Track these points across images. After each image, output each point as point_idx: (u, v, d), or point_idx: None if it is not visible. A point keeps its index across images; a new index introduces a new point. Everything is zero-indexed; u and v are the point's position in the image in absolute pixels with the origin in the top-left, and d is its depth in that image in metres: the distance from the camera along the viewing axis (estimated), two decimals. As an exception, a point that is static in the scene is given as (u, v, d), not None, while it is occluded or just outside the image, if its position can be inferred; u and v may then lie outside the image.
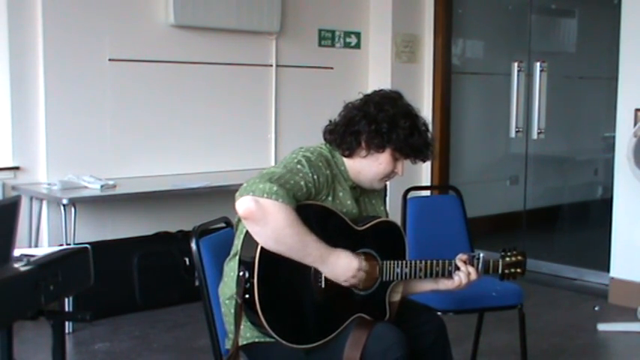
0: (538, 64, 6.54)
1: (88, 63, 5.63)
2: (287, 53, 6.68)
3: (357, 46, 7.16)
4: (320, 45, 6.91)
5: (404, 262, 2.81)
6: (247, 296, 2.60)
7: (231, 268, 2.77)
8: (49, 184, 5.35)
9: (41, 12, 5.38)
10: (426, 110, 7.27)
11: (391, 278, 2.80)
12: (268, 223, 2.53)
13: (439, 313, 3.70)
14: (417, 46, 7.23)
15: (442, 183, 7.21)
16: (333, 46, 6.99)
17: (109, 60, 5.71)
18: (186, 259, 5.59)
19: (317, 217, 2.67)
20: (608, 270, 5.93)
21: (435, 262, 2.85)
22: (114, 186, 5.40)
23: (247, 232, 2.64)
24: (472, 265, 2.91)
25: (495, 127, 7.93)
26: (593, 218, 8.27)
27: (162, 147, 6.02)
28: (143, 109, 5.92)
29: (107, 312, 5.28)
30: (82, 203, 5.28)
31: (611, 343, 5.12)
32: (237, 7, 6.18)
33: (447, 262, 2.87)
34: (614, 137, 5.86)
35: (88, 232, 5.46)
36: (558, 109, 7.67)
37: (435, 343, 2.87)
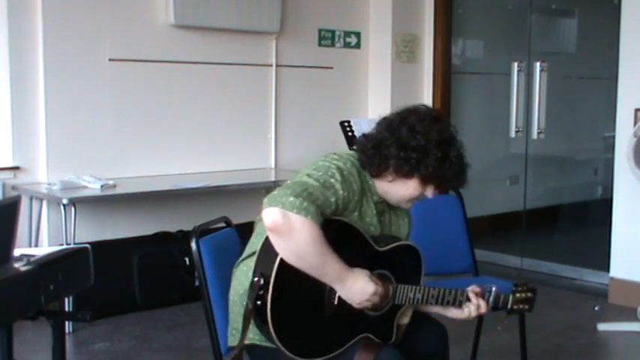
0: (538, 64, 6.54)
1: (88, 63, 5.63)
2: (287, 53, 6.68)
3: (357, 45, 7.16)
4: (320, 45, 6.91)
5: (417, 287, 2.78)
6: (259, 303, 2.57)
7: (248, 266, 2.72)
8: (49, 184, 5.34)
9: (41, 12, 5.38)
10: (425, 110, 7.26)
11: (403, 302, 2.77)
12: (292, 239, 2.48)
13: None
14: (416, 45, 7.23)
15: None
16: (333, 45, 6.99)
17: (109, 60, 5.71)
18: (187, 259, 5.59)
19: (340, 234, 2.63)
20: (608, 270, 5.93)
21: (447, 291, 2.82)
22: (114, 186, 5.40)
23: (267, 238, 2.59)
24: (483, 298, 2.87)
25: (495, 127, 7.92)
26: (593, 218, 8.27)
27: (162, 147, 6.02)
28: (143, 108, 5.92)
29: (107, 312, 5.28)
30: (82, 203, 5.28)
31: (611, 343, 5.12)
32: (237, 7, 6.18)
33: (459, 292, 2.83)
34: (614, 137, 5.86)
35: (88, 231, 5.46)
36: (558, 109, 7.67)
37: (435, 351, 2.86)
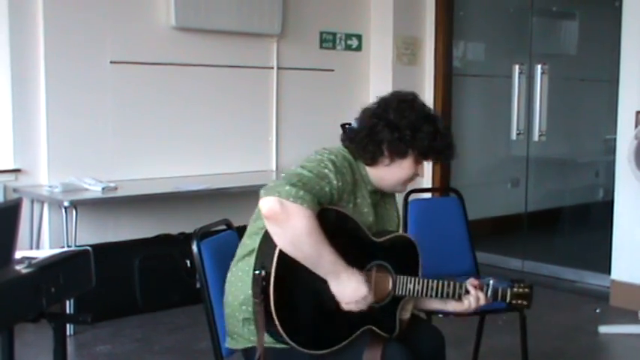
0: (539, 66, 6.55)
1: (89, 65, 5.64)
2: (288, 55, 6.68)
3: (359, 48, 7.16)
4: (321, 47, 6.91)
5: (417, 279, 2.80)
6: (262, 296, 2.58)
7: (249, 265, 2.72)
8: (50, 187, 5.34)
9: (42, 14, 5.38)
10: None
11: (403, 293, 2.79)
12: (289, 227, 2.51)
13: (440, 316, 3.71)
14: (418, 48, 7.23)
15: (443, 185, 7.21)
16: (334, 48, 6.99)
17: (111, 62, 5.72)
18: (188, 262, 5.58)
19: (337, 224, 2.65)
20: (609, 272, 5.93)
21: (446, 283, 2.84)
22: (115, 188, 5.40)
23: (267, 231, 2.62)
24: (482, 290, 2.90)
25: (496, 129, 7.92)
26: (594, 220, 8.26)
27: (163, 149, 6.02)
28: (144, 111, 5.93)
29: (108, 314, 5.28)
30: (84, 205, 5.28)
31: (613, 346, 5.12)
32: (239, 10, 6.18)
33: (457, 284, 2.87)
34: (615, 140, 5.86)
35: (90, 234, 5.47)
36: (559, 112, 7.67)
37: (432, 356, 2.86)
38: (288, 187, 2.52)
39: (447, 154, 2.87)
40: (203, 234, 2.91)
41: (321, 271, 2.60)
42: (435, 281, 2.83)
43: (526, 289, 3.00)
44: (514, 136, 6.82)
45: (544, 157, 7.97)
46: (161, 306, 5.56)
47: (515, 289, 2.99)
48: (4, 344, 2.79)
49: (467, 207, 4.30)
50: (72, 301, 4.96)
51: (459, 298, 2.88)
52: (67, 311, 4.81)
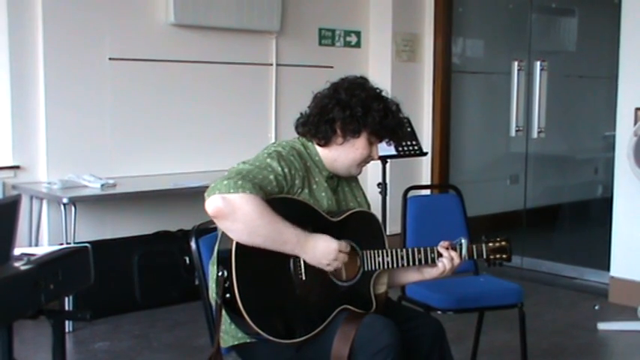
0: (538, 63, 6.55)
1: (88, 62, 5.63)
2: (287, 52, 6.68)
3: (358, 45, 7.16)
4: (320, 44, 6.91)
5: (384, 250, 2.81)
6: (228, 295, 2.58)
7: (212, 271, 2.75)
8: (49, 183, 5.34)
9: (41, 11, 5.38)
10: (426, 109, 7.28)
11: (373, 267, 2.80)
12: (238, 217, 2.52)
13: (439, 312, 3.72)
14: (417, 45, 7.23)
15: (442, 182, 7.21)
16: (333, 45, 6.99)
17: (109, 59, 5.71)
18: (187, 258, 5.59)
19: (291, 211, 2.66)
20: (608, 269, 5.93)
21: (416, 249, 2.85)
22: (114, 185, 5.40)
23: (222, 232, 2.64)
24: (455, 250, 2.90)
25: (495, 126, 7.93)
26: (593, 217, 8.27)
27: (162, 146, 6.02)
28: (143, 108, 5.92)
29: (107, 311, 5.28)
30: (82, 202, 5.28)
31: (612, 342, 5.12)
32: (238, 6, 6.18)
33: (428, 249, 2.87)
34: (614, 136, 5.86)
35: (88, 231, 5.46)
36: (558, 108, 7.67)
37: (432, 347, 2.83)
38: (226, 182, 2.54)
39: (399, 134, 2.89)
40: (201, 231, 2.92)
41: (287, 248, 2.60)
42: (404, 250, 2.84)
43: (503, 242, 2.99)
44: (513, 133, 6.82)
45: (543, 154, 7.98)
46: (160, 303, 5.57)
47: (492, 244, 2.98)
48: (2, 341, 2.78)
49: (466, 204, 4.30)
50: (71, 297, 4.97)
51: (433, 263, 2.88)
52: (66, 308, 4.80)
